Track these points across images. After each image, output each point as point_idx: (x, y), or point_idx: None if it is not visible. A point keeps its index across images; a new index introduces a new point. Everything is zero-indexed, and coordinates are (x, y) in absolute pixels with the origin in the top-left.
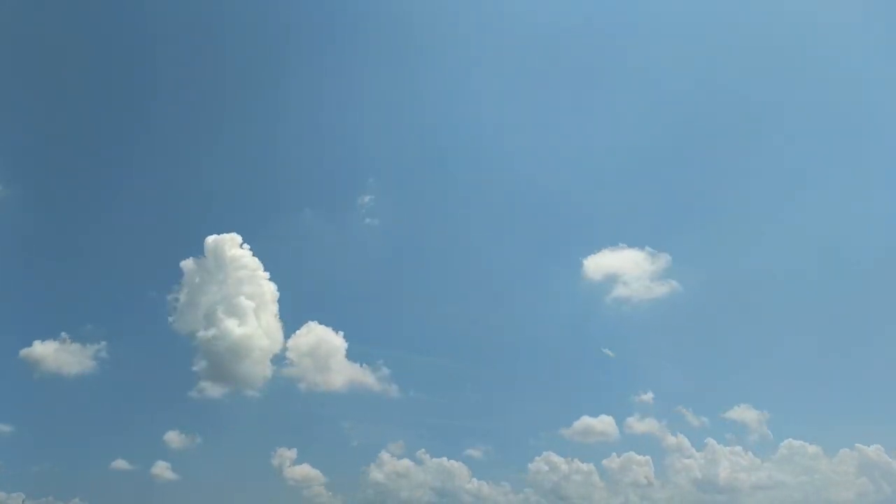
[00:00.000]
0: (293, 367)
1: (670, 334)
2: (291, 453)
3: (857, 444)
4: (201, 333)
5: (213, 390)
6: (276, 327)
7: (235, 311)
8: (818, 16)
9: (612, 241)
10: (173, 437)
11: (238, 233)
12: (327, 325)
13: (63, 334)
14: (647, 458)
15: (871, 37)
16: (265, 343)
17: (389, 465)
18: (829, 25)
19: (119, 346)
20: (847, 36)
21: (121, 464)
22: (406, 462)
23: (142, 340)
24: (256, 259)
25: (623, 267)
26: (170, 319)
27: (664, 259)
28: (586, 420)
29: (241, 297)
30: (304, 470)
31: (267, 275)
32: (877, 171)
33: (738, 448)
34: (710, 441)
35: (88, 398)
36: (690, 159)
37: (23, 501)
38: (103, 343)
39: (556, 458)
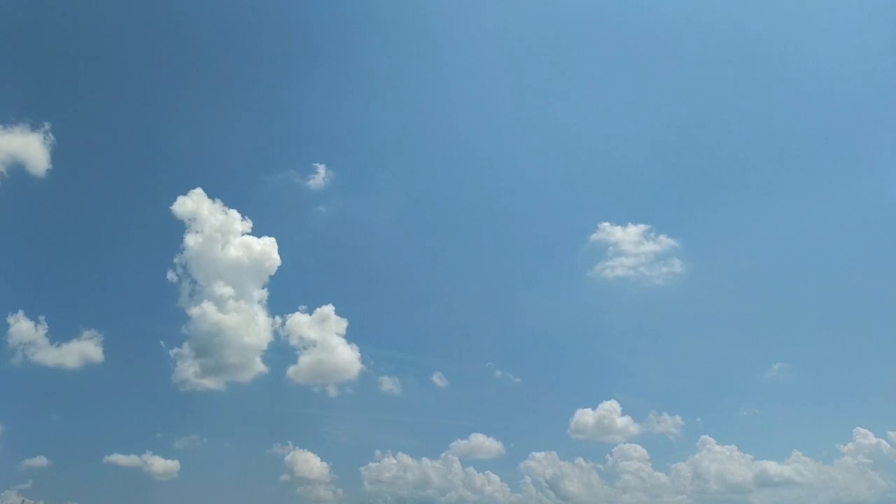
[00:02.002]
0: (293, 357)
1: (673, 326)
2: (288, 447)
3: (863, 438)
4: (194, 321)
5: (205, 380)
6: (268, 313)
7: (229, 296)
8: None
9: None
10: (165, 430)
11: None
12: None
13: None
14: (645, 451)
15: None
16: (259, 331)
17: (388, 461)
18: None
19: (109, 335)
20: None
21: (116, 458)
22: (405, 458)
23: (131, 329)
24: (253, 235)
25: (626, 260)
26: (159, 307)
27: (669, 248)
28: (587, 415)
29: (237, 281)
30: (303, 465)
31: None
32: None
33: (742, 446)
34: (712, 438)
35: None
36: (702, 149)
37: (22, 502)
38: (93, 332)
39: (554, 454)
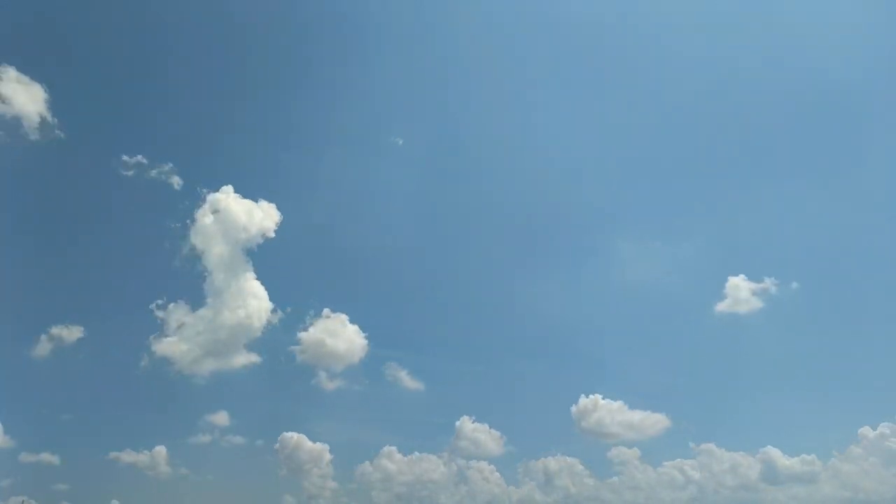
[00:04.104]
0: (292, 347)
1: (677, 324)
2: (286, 440)
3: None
4: (190, 306)
5: (200, 369)
6: (271, 301)
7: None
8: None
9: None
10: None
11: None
12: (337, 309)
13: None
14: (646, 448)
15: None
16: (260, 319)
17: (387, 455)
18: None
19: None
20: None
21: (119, 455)
22: (404, 453)
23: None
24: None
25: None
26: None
27: (672, 246)
28: (590, 412)
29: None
30: (301, 459)
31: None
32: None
33: (748, 443)
34: (717, 436)
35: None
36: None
37: (22, 502)
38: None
39: (555, 450)
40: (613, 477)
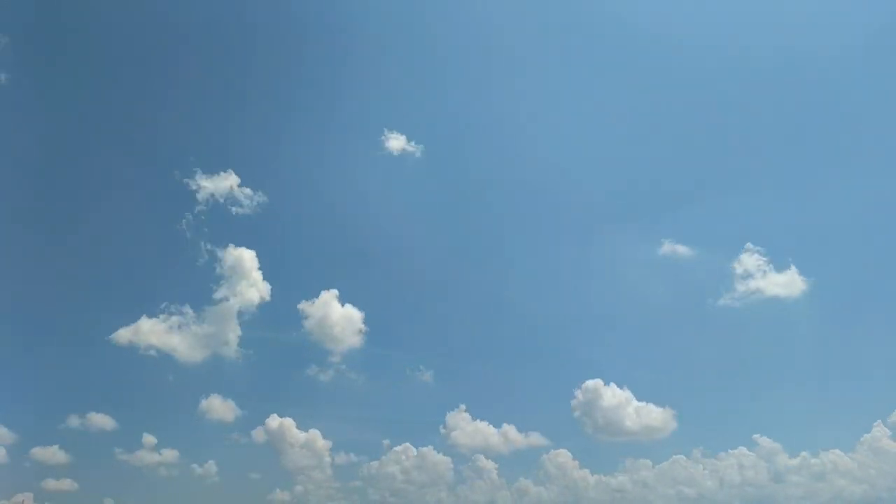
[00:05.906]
0: (290, 335)
1: (680, 319)
2: (290, 430)
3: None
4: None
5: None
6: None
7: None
8: None
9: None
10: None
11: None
12: (334, 299)
13: None
14: (641, 447)
15: None
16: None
17: (385, 450)
18: None
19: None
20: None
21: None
22: (404, 447)
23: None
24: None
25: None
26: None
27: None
28: (591, 409)
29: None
30: (298, 455)
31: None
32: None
33: (754, 440)
34: (723, 433)
35: None
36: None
37: (23, 502)
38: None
39: (555, 445)
40: (616, 472)
